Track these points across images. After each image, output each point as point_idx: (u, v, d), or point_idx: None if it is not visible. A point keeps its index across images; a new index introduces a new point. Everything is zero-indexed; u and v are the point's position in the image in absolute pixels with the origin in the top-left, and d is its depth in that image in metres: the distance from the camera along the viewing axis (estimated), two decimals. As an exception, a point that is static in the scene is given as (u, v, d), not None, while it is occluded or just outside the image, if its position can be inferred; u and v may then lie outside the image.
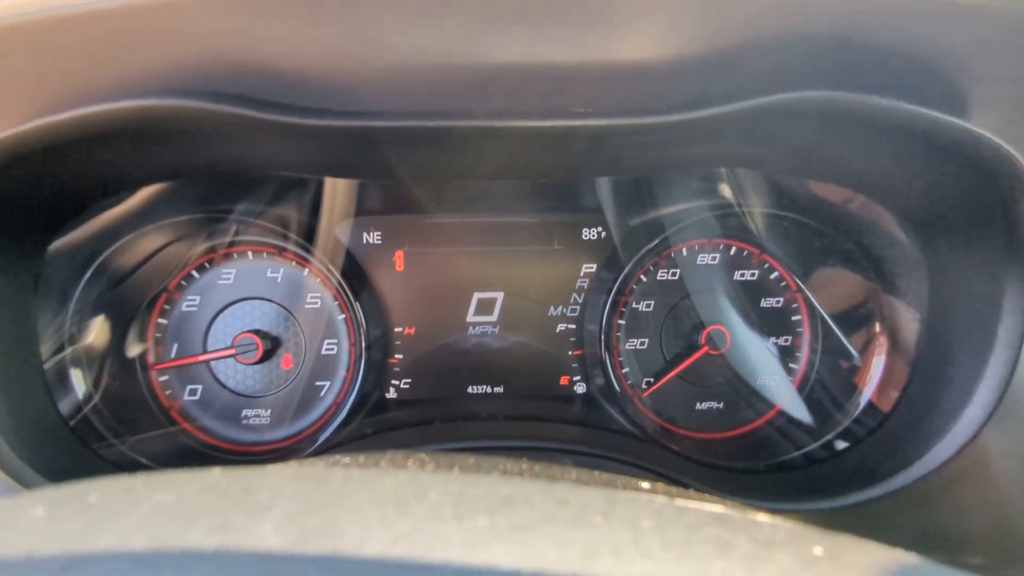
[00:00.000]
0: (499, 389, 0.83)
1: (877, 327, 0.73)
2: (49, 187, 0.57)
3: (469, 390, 0.84)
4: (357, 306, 0.79)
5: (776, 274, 0.80)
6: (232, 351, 0.77)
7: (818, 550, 0.21)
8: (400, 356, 0.82)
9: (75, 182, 0.58)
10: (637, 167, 0.67)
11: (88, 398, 0.70)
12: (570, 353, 0.82)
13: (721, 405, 0.80)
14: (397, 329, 0.82)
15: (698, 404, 0.80)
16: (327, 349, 0.81)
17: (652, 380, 0.80)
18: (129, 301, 0.76)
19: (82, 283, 0.69)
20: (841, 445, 0.71)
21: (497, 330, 0.82)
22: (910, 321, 0.67)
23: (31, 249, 0.62)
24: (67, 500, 0.22)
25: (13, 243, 0.59)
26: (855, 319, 0.76)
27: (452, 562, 0.18)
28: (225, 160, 0.58)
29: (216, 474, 0.24)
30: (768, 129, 0.54)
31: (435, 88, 0.50)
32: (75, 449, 0.64)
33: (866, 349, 0.74)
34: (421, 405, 0.84)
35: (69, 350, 0.68)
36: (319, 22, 0.45)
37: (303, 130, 0.50)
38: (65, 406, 0.66)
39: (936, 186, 0.58)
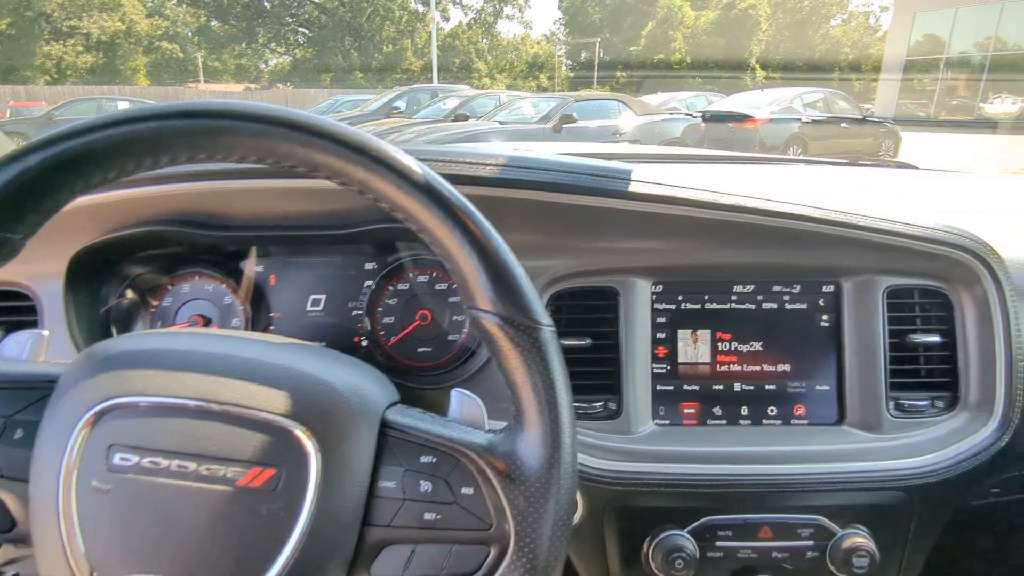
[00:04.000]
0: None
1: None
2: (106, 255, 1.40)
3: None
4: (248, 304, 1.61)
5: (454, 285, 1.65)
6: (188, 324, 1.58)
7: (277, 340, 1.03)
8: (273, 328, 1.64)
9: (116, 253, 1.41)
10: (375, 239, 1.52)
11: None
12: (359, 325, 1.65)
13: (430, 349, 1.65)
14: (271, 315, 1.64)
15: (418, 348, 1.64)
16: (235, 325, 1.63)
17: (394, 335, 1.65)
18: (138, 305, 1.58)
19: (118, 292, 1.51)
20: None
21: (323, 314, 1.65)
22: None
23: (97, 279, 1.44)
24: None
25: (90, 280, 1.41)
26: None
27: None
28: (187, 243, 1.41)
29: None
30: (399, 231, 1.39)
31: (263, 220, 1.34)
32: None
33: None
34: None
35: (114, 329, 1.50)
36: (220, 201, 1.28)
37: (214, 238, 1.33)
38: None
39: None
